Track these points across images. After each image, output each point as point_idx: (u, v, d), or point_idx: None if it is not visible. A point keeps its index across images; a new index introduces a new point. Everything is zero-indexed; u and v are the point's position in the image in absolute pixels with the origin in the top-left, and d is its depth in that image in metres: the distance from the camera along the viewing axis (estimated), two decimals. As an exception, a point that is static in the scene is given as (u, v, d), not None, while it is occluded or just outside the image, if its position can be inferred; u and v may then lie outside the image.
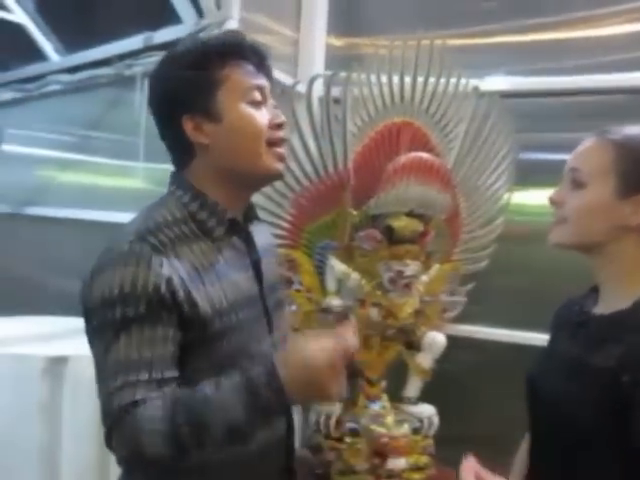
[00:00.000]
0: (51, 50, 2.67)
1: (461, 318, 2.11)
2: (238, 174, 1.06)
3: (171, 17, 2.08)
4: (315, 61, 2.42)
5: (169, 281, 0.94)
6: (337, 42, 2.52)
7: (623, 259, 0.98)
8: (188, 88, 1.02)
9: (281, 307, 1.25)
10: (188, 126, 1.03)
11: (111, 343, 0.93)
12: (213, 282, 1.01)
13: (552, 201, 1.04)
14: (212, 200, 1.06)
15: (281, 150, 1.08)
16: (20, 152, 3.25)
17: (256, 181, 1.12)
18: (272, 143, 1.06)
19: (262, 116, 1.05)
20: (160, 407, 0.90)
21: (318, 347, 0.89)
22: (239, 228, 1.11)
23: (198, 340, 0.99)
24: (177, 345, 0.96)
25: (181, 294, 0.95)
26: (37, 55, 2.72)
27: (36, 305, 2.52)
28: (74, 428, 1.72)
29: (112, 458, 1.69)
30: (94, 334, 0.97)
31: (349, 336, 0.93)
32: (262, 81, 1.07)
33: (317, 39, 2.44)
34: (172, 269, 0.95)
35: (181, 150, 1.07)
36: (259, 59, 1.08)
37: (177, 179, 1.09)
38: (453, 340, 1.95)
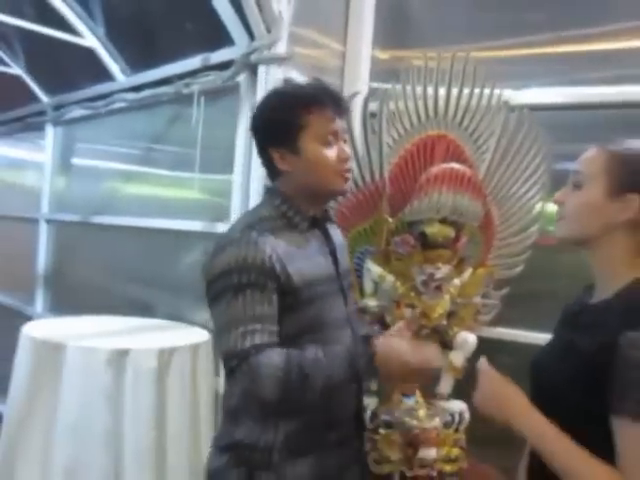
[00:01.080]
0: (118, 71, 2.88)
1: (504, 321, 2.19)
2: (314, 191, 1.36)
3: (226, 39, 2.24)
4: (361, 74, 2.51)
5: (270, 257, 1.23)
6: (383, 55, 2.60)
7: (613, 253, 1.09)
8: (277, 127, 1.33)
9: (351, 289, 1.54)
10: (275, 155, 1.34)
11: (231, 302, 1.21)
12: (302, 260, 1.30)
13: (555, 201, 1.17)
14: (297, 203, 1.36)
15: (347, 175, 1.37)
16: (89, 165, 3.50)
17: (328, 196, 1.44)
18: (339, 172, 1.35)
19: (332, 153, 1.33)
20: (277, 358, 1.17)
21: (414, 349, 1.24)
22: (319, 224, 1.41)
23: (292, 305, 1.27)
24: (277, 308, 1.25)
25: (279, 268, 1.24)
26: (105, 76, 2.95)
27: (98, 305, 2.74)
28: (135, 413, 1.91)
29: (168, 440, 1.88)
30: (215, 298, 1.25)
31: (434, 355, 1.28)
32: (337, 125, 1.34)
33: (363, 52, 2.52)
34: (272, 249, 1.24)
35: (270, 169, 1.40)
36: (337, 106, 1.34)
37: (270, 189, 1.42)
38: (496, 343, 2.04)
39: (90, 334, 2.14)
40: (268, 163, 1.38)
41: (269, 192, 1.41)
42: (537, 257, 2.13)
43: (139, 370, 1.91)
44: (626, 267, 1.08)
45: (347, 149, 1.37)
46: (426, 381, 1.48)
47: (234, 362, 1.19)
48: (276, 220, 1.33)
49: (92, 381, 1.88)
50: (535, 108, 2.25)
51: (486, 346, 2.04)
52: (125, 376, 1.90)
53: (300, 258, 1.29)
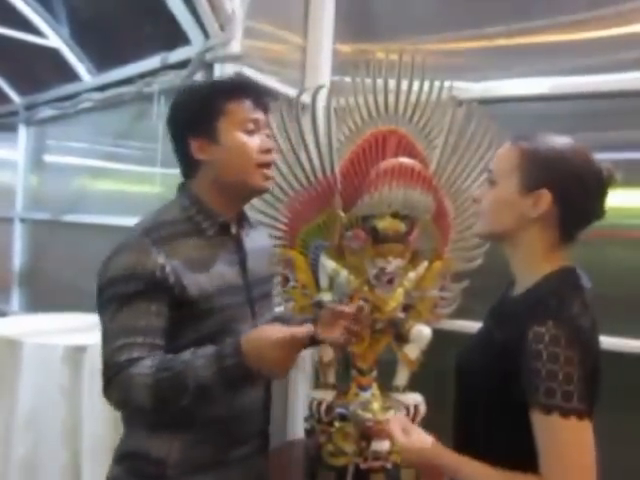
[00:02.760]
0: (84, 71, 2.91)
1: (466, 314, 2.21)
2: (231, 187, 1.29)
3: (184, 38, 2.25)
4: (322, 68, 2.54)
5: (162, 268, 1.16)
6: (345, 48, 2.62)
7: (528, 247, 1.11)
8: (196, 115, 1.26)
9: (267, 298, 1.45)
10: (193, 144, 1.26)
11: (115, 313, 1.16)
12: (201, 271, 1.23)
13: (474, 199, 1.19)
14: (208, 206, 1.28)
15: (268, 171, 1.30)
16: (61, 163, 3.51)
17: (246, 194, 1.34)
18: (260, 165, 1.28)
19: (253, 142, 1.27)
20: (148, 365, 1.12)
21: (275, 330, 1.12)
22: (229, 230, 1.32)
23: (187, 317, 1.20)
24: (167, 321, 1.18)
25: (172, 279, 1.17)
26: (73, 76, 2.97)
27: (71, 302, 2.76)
28: (93, 409, 1.92)
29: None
30: (103, 306, 1.19)
31: (303, 329, 1.13)
32: (257, 115, 1.29)
33: (324, 46, 2.55)
34: (166, 259, 1.18)
35: (187, 164, 1.31)
36: (257, 96, 1.31)
37: (182, 188, 1.34)
38: (457, 336, 2.08)
39: (48, 331, 2.16)
40: (184, 156, 1.29)
41: (181, 190, 1.33)
42: (500, 249, 2.15)
43: (96, 366, 1.91)
44: (541, 261, 1.10)
45: (269, 142, 1.31)
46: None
47: (109, 374, 1.14)
48: (180, 224, 1.26)
49: (49, 377, 1.91)
50: (498, 100, 2.29)
51: (447, 339, 2.07)
52: (82, 372, 1.93)
53: (199, 268, 1.23)
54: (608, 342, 1.85)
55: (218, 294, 1.24)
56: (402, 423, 1.16)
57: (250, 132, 1.27)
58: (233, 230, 1.34)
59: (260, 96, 1.32)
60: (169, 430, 1.23)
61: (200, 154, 1.26)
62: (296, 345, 1.10)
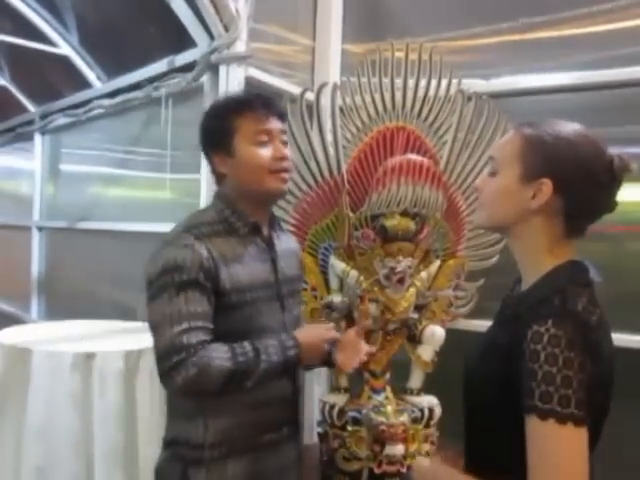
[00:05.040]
0: (94, 78, 2.92)
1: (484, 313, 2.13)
2: (251, 194, 1.39)
3: (190, 41, 2.24)
4: (331, 69, 2.51)
5: (207, 259, 1.27)
6: (355, 48, 2.58)
7: (531, 240, 1.03)
8: (214, 134, 1.40)
9: (296, 296, 1.53)
10: (215, 160, 1.40)
11: (172, 299, 1.24)
12: (235, 266, 1.33)
13: (474, 188, 1.13)
14: (240, 209, 1.39)
15: (283, 175, 1.39)
16: (76, 171, 3.54)
17: (265, 198, 1.43)
18: (274, 171, 1.37)
19: (265, 152, 1.36)
20: (224, 350, 1.23)
21: (324, 329, 1.38)
22: (260, 231, 1.42)
23: (220, 308, 1.29)
24: (213, 307, 1.29)
25: (213, 270, 1.28)
26: (84, 83, 2.98)
27: (88, 309, 2.77)
28: (103, 415, 1.92)
29: (140, 439, 1.89)
30: (156, 295, 1.26)
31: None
32: (270, 124, 1.38)
33: (333, 46, 2.52)
34: (207, 252, 1.28)
35: (215, 175, 1.45)
36: (268, 107, 1.38)
37: (217, 193, 1.46)
38: (474, 335, 2.01)
39: (58, 338, 2.15)
40: (212, 169, 1.44)
41: (216, 196, 1.45)
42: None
43: (106, 372, 1.92)
44: (545, 255, 1.03)
45: (284, 149, 1.39)
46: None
47: (181, 356, 1.20)
48: (216, 225, 1.36)
49: (59, 384, 1.89)
50: (511, 94, 2.24)
51: (464, 339, 2.02)
52: (92, 379, 1.91)
53: (234, 263, 1.32)
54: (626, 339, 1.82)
55: (249, 289, 1.33)
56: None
57: (263, 143, 1.36)
58: (264, 231, 1.43)
59: (270, 106, 1.39)
60: (204, 416, 1.32)
61: (221, 167, 1.39)
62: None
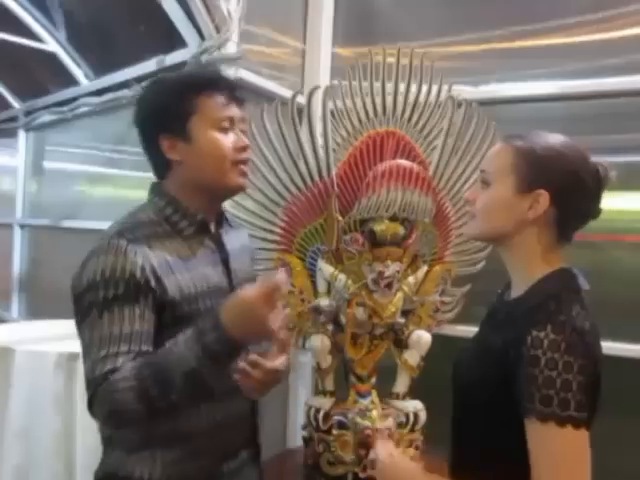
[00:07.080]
0: (81, 75, 2.90)
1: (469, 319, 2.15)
2: (207, 187, 1.23)
3: (180, 41, 2.23)
4: (321, 72, 2.51)
5: (142, 268, 1.09)
6: (345, 52, 2.59)
7: (525, 249, 1.07)
8: (166, 112, 1.18)
9: None
10: (164, 144, 1.20)
11: (96, 321, 1.07)
12: (182, 272, 1.16)
13: (466, 200, 1.14)
14: (184, 205, 1.22)
15: (244, 168, 1.24)
16: (60, 169, 3.50)
17: (222, 193, 1.28)
18: (235, 163, 1.22)
19: (227, 140, 1.21)
20: (131, 368, 1.04)
21: (249, 289, 1.04)
22: (208, 229, 1.26)
23: (170, 322, 1.13)
24: (152, 325, 1.11)
25: (153, 281, 1.10)
26: (70, 80, 2.96)
27: (71, 309, 2.73)
28: (86, 416, 1.89)
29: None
30: (82, 315, 1.11)
31: (277, 276, 1.06)
32: (231, 112, 1.23)
33: (323, 49, 2.52)
34: (145, 259, 1.10)
35: (159, 164, 1.25)
36: (230, 91, 1.23)
37: (156, 188, 1.27)
38: (459, 340, 2.01)
39: (41, 338, 2.13)
40: (156, 156, 1.23)
41: (154, 192, 1.26)
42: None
43: (90, 374, 1.90)
44: (538, 263, 1.06)
45: (245, 139, 1.25)
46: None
47: (92, 389, 1.06)
48: (156, 226, 1.19)
49: (41, 385, 1.88)
50: (498, 102, 2.25)
51: (449, 344, 2.03)
52: (76, 379, 1.90)
53: (180, 269, 1.16)
54: (614, 347, 1.84)
55: (202, 296, 1.18)
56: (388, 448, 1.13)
57: (224, 130, 1.21)
58: (212, 229, 1.28)
59: (234, 90, 1.25)
60: (150, 448, 1.15)
61: (172, 154, 1.20)
62: (272, 299, 1.03)
